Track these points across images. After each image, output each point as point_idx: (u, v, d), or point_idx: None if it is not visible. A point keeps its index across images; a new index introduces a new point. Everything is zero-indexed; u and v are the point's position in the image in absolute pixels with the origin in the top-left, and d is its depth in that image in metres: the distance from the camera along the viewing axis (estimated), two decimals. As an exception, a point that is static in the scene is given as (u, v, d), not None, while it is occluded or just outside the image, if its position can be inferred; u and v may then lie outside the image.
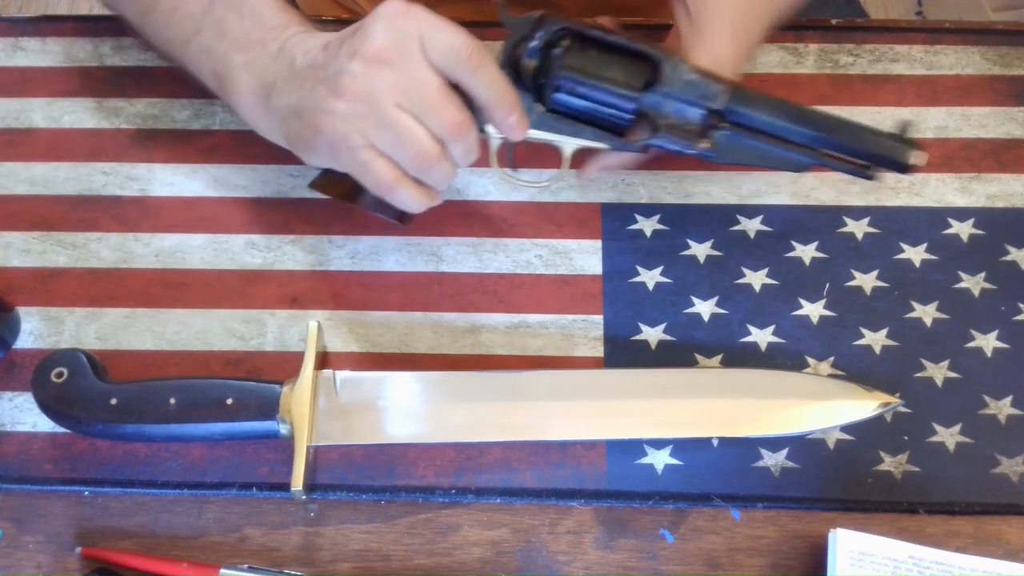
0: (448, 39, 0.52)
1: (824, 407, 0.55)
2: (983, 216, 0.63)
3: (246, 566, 0.52)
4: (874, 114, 0.66)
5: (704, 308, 0.60)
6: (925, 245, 0.62)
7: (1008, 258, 0.62)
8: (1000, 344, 0.59)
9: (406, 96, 0.51)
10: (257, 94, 0.56)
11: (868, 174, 0.56)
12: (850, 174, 0.57)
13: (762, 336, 0.60)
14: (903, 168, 0.55)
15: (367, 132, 0.52)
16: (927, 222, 0.63)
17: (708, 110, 0.55)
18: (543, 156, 0.61)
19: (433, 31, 0.51)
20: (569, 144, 0.58)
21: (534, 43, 0.56)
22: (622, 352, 0.59)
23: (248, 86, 0.56)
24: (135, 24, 0.62)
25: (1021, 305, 0.60)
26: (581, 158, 0.60)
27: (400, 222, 0.58)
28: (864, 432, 0.56)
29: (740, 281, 0.61)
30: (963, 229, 0.63)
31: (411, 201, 0.55)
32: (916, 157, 0.54)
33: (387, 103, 0.51)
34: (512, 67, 0.57)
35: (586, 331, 0.60)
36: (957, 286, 0.61)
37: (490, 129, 0.57)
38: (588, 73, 0.55)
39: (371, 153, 0.52)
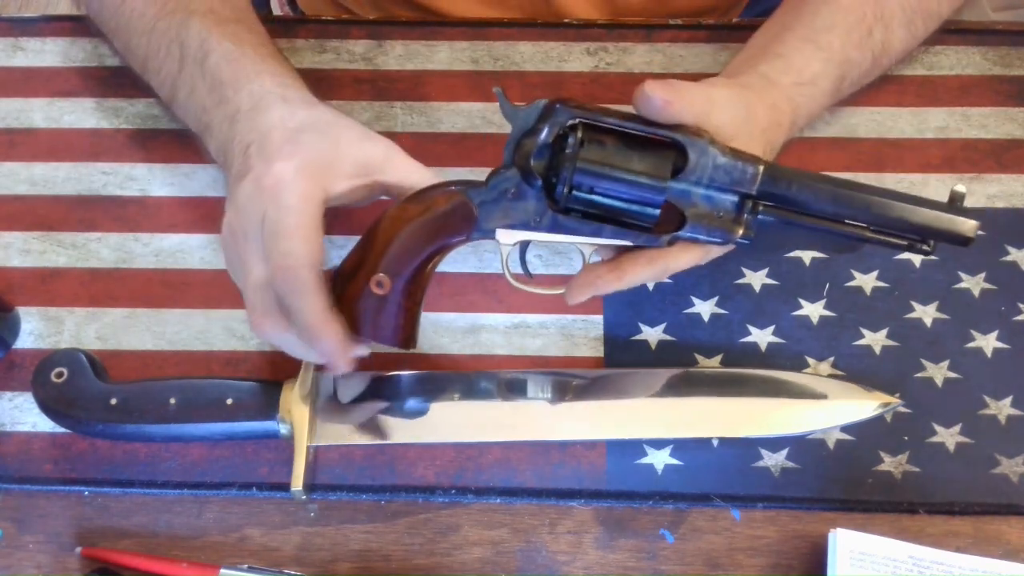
0: (280, 245, 0.49)
1: (824, 407, 0.55)
2: (983, 216, 0.63)
3: (246, 566, 0.52)
4: (874, 114, 0.66)
5: (704, 308, 0.60)
6: (925, 245, 0.62)
7: (1008, 258, 0.62)
8: (1000, 344, 0.59)
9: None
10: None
11: (924, 249, 0.51)
12: (904, 250, 0.51)
13: (762, 336, 0.60)
14: (963, 241, 0.49)
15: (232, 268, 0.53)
16: (927, 222, 0.63)
17: (741, 196, 0.50)
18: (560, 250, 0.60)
19: (273, 229, 0.49)
20: (588, 245, 0.52)
21: (542, 138, 0.49)
22: (622, 352, 0.59)
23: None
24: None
25: (1021, 305, 0.60)
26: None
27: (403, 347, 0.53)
28: (864, 432, 0.56)
29: (740, 281, 0.61)
30: (963, 229, 0.62)
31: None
32: (973, 229, 0.49)
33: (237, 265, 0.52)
34: (519, 165, 0.50)
35: (586, 331, 0.60)
36: (957, 286, 0.61)
37: (499, 236, 0.52)
38: (608, 168, 0.49)
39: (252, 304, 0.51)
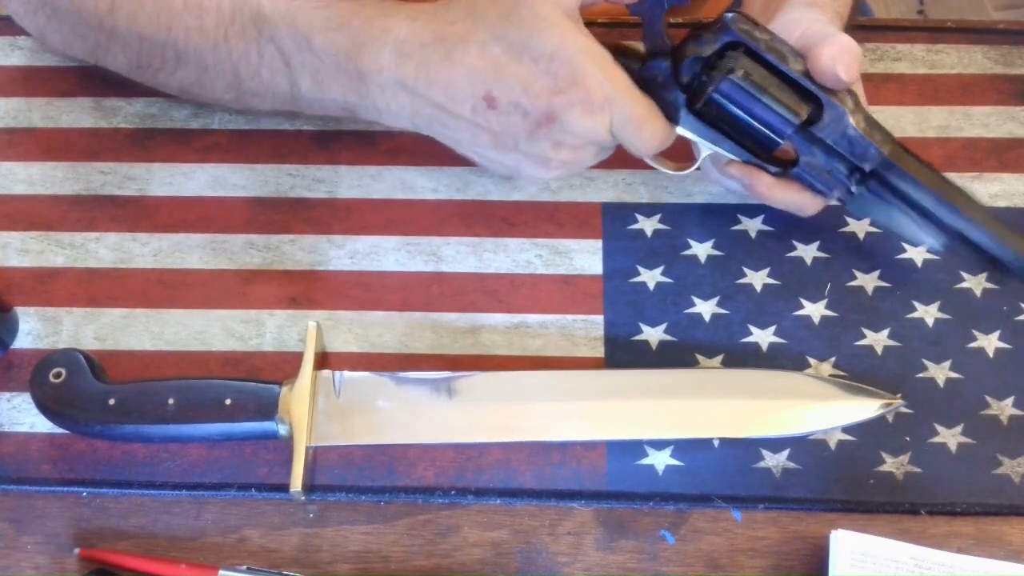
0: (633, 138, 0.54)
1: (825, 407, 0.55)
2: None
3: (245, 567, 0.52)
4: (875, 113, 0.66)
5: (705, 308, 0.60)
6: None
7: (1010, 258, 0.61)
8: (1002, 344, 0.59)
9: (600, 150, 0.56)
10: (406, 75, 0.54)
11: (997, 276, 0.57)
12: (979, 268, 0.57)
13: (763, 336, 0.59)
14: (1020, 273, 0.55)
15: (560, 169, 0.56)
16: (929, 222, 0.63)
17: (855, 167, 0.54)
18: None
19: (620, 121, 0.53)
20: (706, 148, 0.56)
21: (706, 47, 0.53)
22: (622, 352, 0.59)
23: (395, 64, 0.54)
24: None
25: (1023, 305, 0.60)
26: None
27: None
28: (865, 433, 0.56)
29: (741, 281, 0.61)
30: (965, 229, 0.62)
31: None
32: None
33: (590, 158, 0.56)
34: (674, 60, 0.54)
35: (586, 331, 0.60)
36: (959, 286, 0.61)
37: None
38: (752, 95, 0.53)
39: (558, 174, 0.57)
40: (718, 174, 0.59)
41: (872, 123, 0.54)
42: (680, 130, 0.56)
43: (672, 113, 0.55)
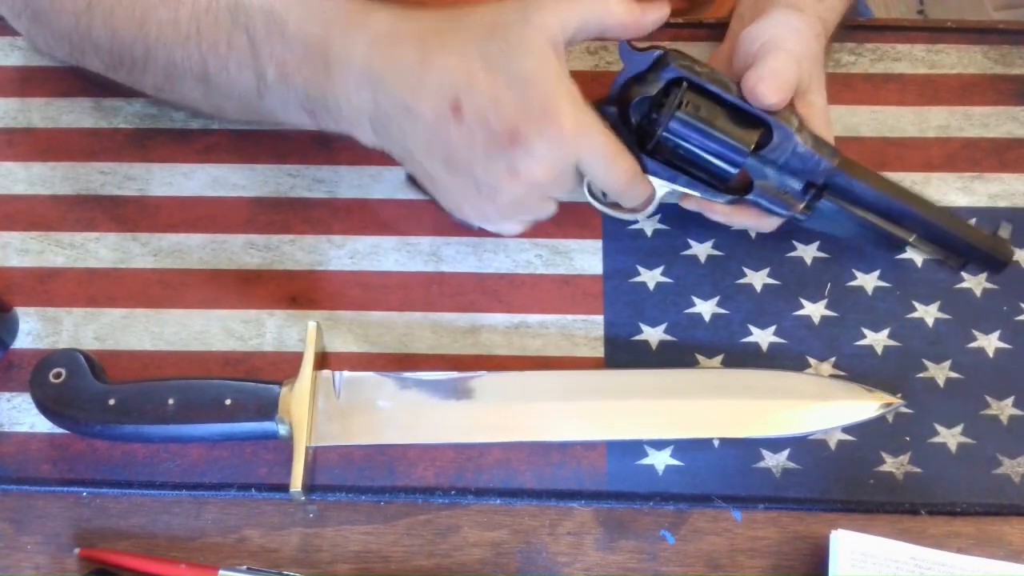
0: (601, 172, 0.53)
1: (825, 408, 0.55)
2: (985, 216, 0.63)
3: (245, 567, 0.52)
4: (876, 113, 0.66)
5: (705, 308, 0.60)
6: (927, 245, 0.62)
7: (1010, 258, 0.61)
8: (1002, 344, 0.59)
9: (553, 190, 0.54)
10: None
11: (956, 266, 0.58)
12: (940, 263, 0.58)
13: (763, 336, 0.59)
14: (999, 267, 0.57)
15: (504, 208, 0.54)
16: (929, 222, 0.63)
17: (807, 183, 0.55)
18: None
19: (590, 159, 0.52)
20: (661, 187, 0.56)
21: (649, 87, 0.54)
22: (622, 352, 0.59)
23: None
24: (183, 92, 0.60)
25: (1023, 305, 0.60)
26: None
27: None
28: (865, 433, 0.56)
29: (741, 281, 0.61)
30: (965, 229, 0.62)
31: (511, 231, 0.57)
32: (1011, 255, 0.56)
33: (541, 196, 0.54)
34: (620, 106, 0.55)
35: (586, 331, 0.60)
36: (959, 286, 0.61)
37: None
38: (700, 129, 0.54)
39: (497, 216, 0.55)
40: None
41: (818, 140, 0.54)
42: None
43: None
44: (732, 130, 0.54)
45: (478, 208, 0.54)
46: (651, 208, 0.57)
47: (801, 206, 0.55)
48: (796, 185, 0.55)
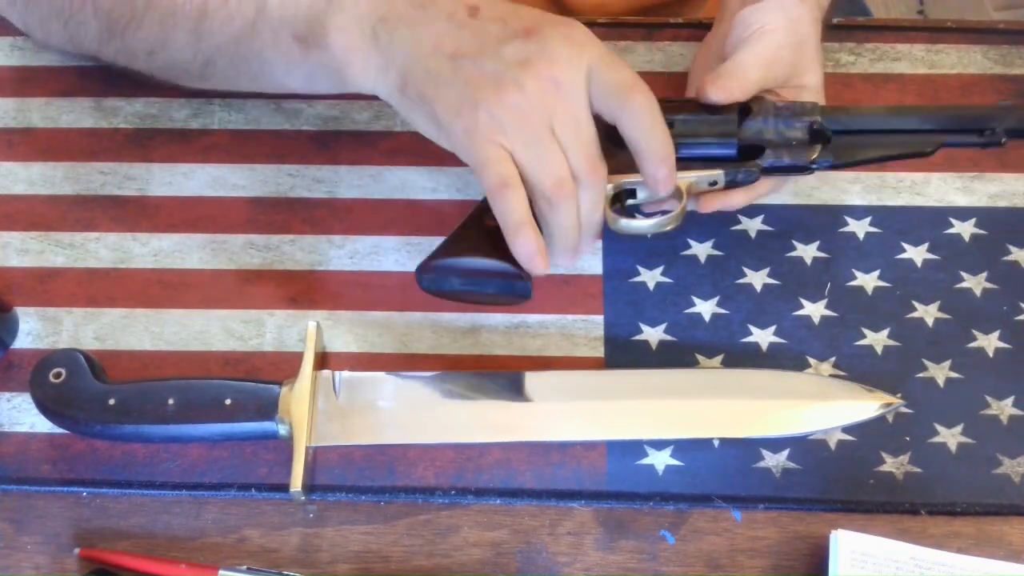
0: (615, 77, 0.51)
1: (825, 407, 0.55)
2: (985, 216, 0.63)
3: (245, 567, 0.52)
4: (875, 113, 0.66)
5: (705, 308, 0.60)
6: (927, 245, 0.62)
7: (1010, 258, 0.61)
8: (1002, 344, 0.59)
9: (562, 126, 0.50)
10: (367, 35, 0.52)
11: (996, 140, 0.55)
12: (978, 147, 0.56)
13: (763, 336, 0.59)
14: None
15: (515, 145, 0.50)
16: (929, 222, 0.63)
17: (808, 123, 0.55)
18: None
19: (603, 67, 0.50)
20: (683, 179, 0.55)
21: None
22: (622, 352, 0.59)
23: (352, 24, 0.52)
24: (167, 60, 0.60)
25: (1023, 305, 0.60)
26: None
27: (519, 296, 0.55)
28: (865, 433, 0.56)
29: (741, 281, 0.61)
30: (965, 229, 0.62)
31: (527, 250, 0.51)
32: None
33: (544, 125, 0.50)
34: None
35: (586, 331, 0.60)
36: (959, 286, 0.61)
37: None
38: (684, 122, 0.55)
39: (510, 170, 0.50)
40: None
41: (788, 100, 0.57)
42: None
43: (630, 167, 0.54)
44: (710, 119, 0.55)
45: (474, 115, 0.49)
46: (682, 204, 0.56)
47: (815, 153, 0.55)
48: (799, 132, 0.55)
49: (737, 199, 0.59)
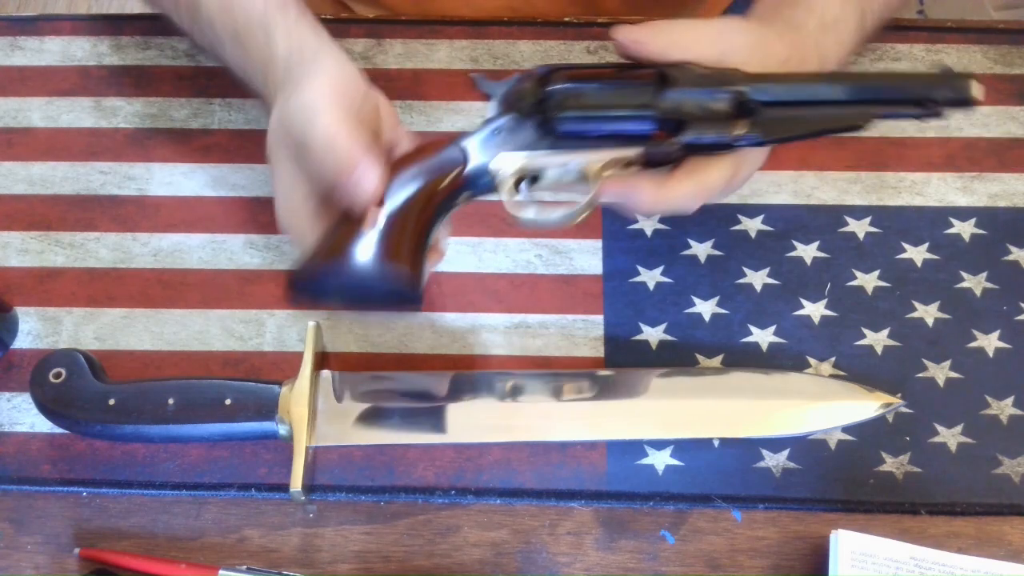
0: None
1: (825, 407, 0.55)
2: (985, 216, 0.63)
3: (245, 567, 0.52)
4: (875, 113, 0.66)
5: (705, 308, 0.60)
6: (927, 245, 0.62)
7: (1010, 258, 0.61)
8: (1002, 344, 0.59)
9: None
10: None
11: (934, 112, 0.50)
12: (913, 118, 0.51)
13: (763, 336, 0.59)
14: (968, 101, 0.49)
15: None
16: (929, 222, 0.63)
17: (732, 93, 0.50)
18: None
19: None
20: (594, 161, 0.51)
21: (528, 82, 0.51)
22: (623, 352, 0.59)
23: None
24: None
25: (1023, 305, 0.60)
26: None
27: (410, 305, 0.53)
28: (865, 433, 0.56)
29: (741, 281, 0.61)
30: (965, 229, 0.62)
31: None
32: (977, 88, 0.49)
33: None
34: (511, 109, 0.51)
35: (586, 331, 0.60)
36: (959, 286, 0.61)
37: (499, 163, 0.51)
38: (595, 94, 0.50)
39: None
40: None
41: (716, 67, 0.51)
42: (556, 156, 0.51)
43: (537, 143, 0.51)
44: (627, 76, 0.50)
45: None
46: (588, 198, 0.51)
47: (743, 129, 0.50)
48: (722, 104, 0.50)
49: (679, 184, 0.51)
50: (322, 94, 0.50)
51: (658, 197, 0.51)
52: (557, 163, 0.51)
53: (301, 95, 0.51)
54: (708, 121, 0.50)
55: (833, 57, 0.57)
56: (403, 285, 0.50)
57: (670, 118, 0.50)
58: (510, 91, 0.52)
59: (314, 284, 0.51)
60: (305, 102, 0.50)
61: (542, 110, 0.51)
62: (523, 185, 0.52)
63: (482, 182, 0.52)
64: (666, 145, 0.50)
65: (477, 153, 0.51)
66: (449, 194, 0.52)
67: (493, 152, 0.51)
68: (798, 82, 0.51)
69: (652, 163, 0.51)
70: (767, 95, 0.50)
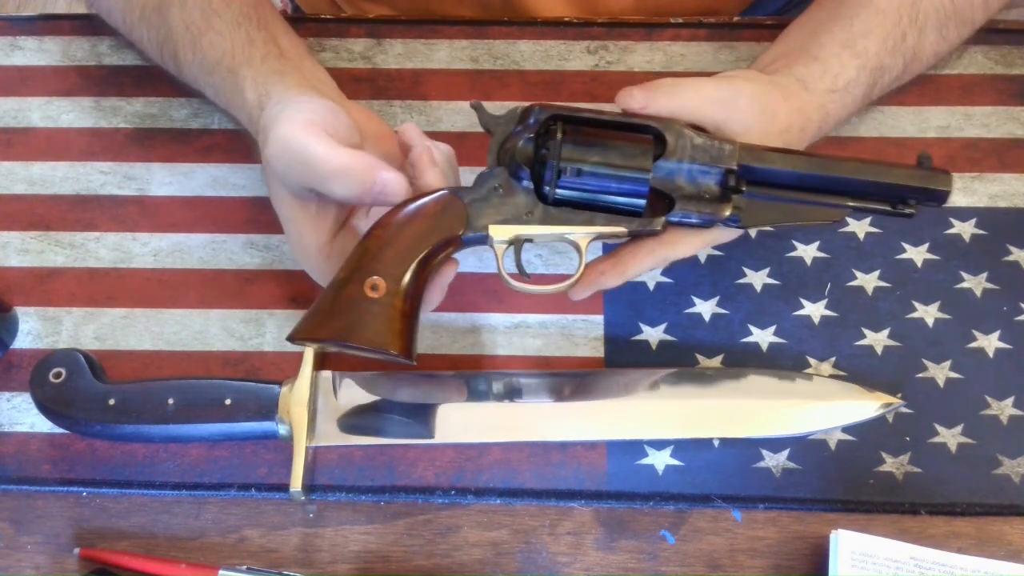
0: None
1: (825, 408, 0.55)
2: (985, 216, 0.63)
3: (245, 567, 0.52)
4: (876, 113, 0.66)
5: (705, 308, 0.60)
6: (927, 245, 0.62)
7: (1010, 258, 0.61)
8: (1002, 344, 0.59)
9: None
10: None
11: (907, 212, 0.53)
12: (888, 215, 0.54)
13: (763, 336, 0.59)
14: (942, 198, 0.53)
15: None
16: (929, 222, 0.62)
17: (723, 172, 0.52)
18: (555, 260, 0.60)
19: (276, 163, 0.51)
20: (583, 236, 0.53)
21: (525, 135, 0.52)
22: (623, 352, 0.59)
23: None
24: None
25: (1023, 305, 0.60)
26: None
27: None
28: (866, 433, 0.56)
29: (741, 281, 0.61)
30: (965, 229, 0.62)
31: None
32: (949, 182, 0.53)
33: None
34: (505, 164, 0.52)
35: (586, 331, 0.60)
36: (959, 286, 0.61)
37: (493, 232, 0.52)
38: (592, 161, 0.51)
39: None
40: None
41: (710, 135, 0.53)
42: (547, 229, 0.52)
43: (531, 214, 0.52)
44: (626, 141, 0.51)
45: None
46: (577, 274, 0.54)
47: (727, 211, 0.52)
48: (712, 183, 0.52)
49: (640, 263, 0.54)
50: (294, 131, 0.50)
51: (624, 278, 0.55)
52: (548, 233, 0.53)
53: (278, 131, 0.50)
54: (696, 200, 0.52)
55: (834, 119, 0.59)
56: (398, 357, 0.51)
57: (660, 190, 0.52)
58: (507, 148, 0.53)
59: (315, 340, 0.52)
60: (284, 139, 0.50)
61: (537, 172, 0.52)
62: (514, 250, 0.55)
63: (475, 242, 0.53)
64: (653, 225, 0.52)
65: (475, 216, 0.52)
66: (441, 256, 0.53)
67: (488, 217, 0.52)
68: (786, 166, 0.52)
69: (636, 236, 0.53)
70: (755, 174, 0.52)
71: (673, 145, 0.52)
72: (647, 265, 0.55)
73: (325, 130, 0.50)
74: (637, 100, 0.52)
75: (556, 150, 0.51)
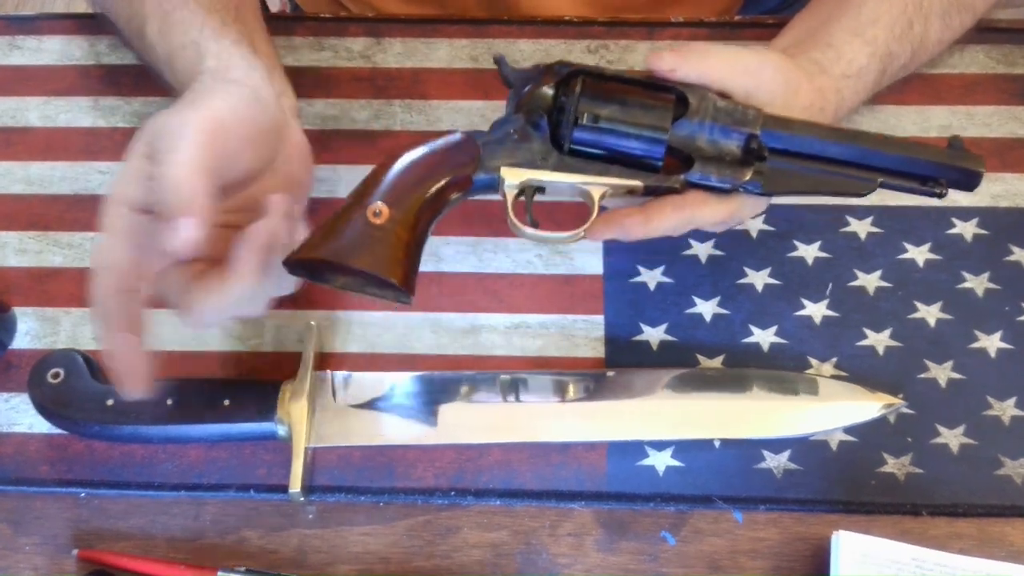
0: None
1: (827, 408, 0.55)
2: (987, 216, 0.62)
3: (243, 568, 0.52)
4: (877, 112, 0.66)
5: (706, 308, 0.60)
6: (929, 245, 0.62)
7: (1012, 258, 0.61)
8: (1004, 345, 0.59)
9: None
10: None
11: (936, 191, 0.51)
12: (916, 193, 0.52)
13: (764, 336, 0.59)
14: (973, 180, 0.51)
15: None
16: (931, 222, 0.62)
17: (746, 136, 0.51)
18: (564, 217, 0.58)
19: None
20: (597, 186, 0.52)
21: (545, 86, 0.51)
22: (623, 352, 0.59)
23: None
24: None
25: (1025, 305, 0.60)
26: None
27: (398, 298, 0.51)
28: (867, 433, 0.56)
29: (742, 281, 0.61)
30: (967, 229, 0.62)
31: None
32: (982, 163, 0.51)
33: None
34: (524, 111, 0.52)
35: (587, 331, 0.59)
36: (961, 286, 0.60)
37: (504, 174, 0.51)
38: (610, 111, 0.50)
39: None
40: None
41: (734, 100, 0.52)
42: (561, 176, 0.52)
43: (544, 160, 0.51)
44: (645, 97, 0.51)
45: None
46: (591, 220, 0.52)
47: (748, 174, 0.51)
48: (733, 145, 0.51)
49: (666, 218, 0.52)
50: (194, 129, 0.47)
51: (648, 230, 0.52)
52: (561, 181, 0.52)
53: (180, 116, 0.47)
54: (717, 161, 0.51)
55: (848, 106, 0.58)
56: (397, 289, 0.50)
57: (680, 149, 0.51)
58: (525, 94, 0.52)
59: (310, 270, 0.51)
60: (176, 126, 0.47)
61: (555, 121, 0.51)
62: (525, 199, 0.53)
63: (486, 185, 0.52)
64: (670, 182, 0.51)
65: (487, 158, 0.51)
66: (451, 196, 0.52)
67: (501, 159, 0.52)
68: (812, 135, 0.51)
69: (652, 194, 0.52)
70: (779, 142, 0.51)
71: (696, 106, 0.51)
72: (672, 221, 0.52)
73: (225, 144, 0.48)
74: (667, 62, 0.51)
75: (575, 97, 0.51)
